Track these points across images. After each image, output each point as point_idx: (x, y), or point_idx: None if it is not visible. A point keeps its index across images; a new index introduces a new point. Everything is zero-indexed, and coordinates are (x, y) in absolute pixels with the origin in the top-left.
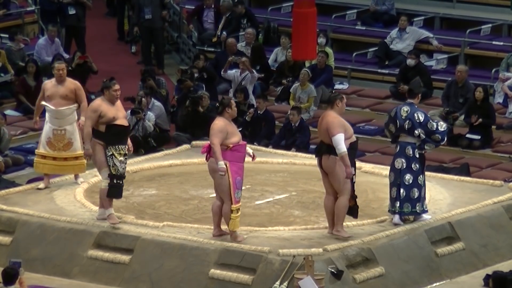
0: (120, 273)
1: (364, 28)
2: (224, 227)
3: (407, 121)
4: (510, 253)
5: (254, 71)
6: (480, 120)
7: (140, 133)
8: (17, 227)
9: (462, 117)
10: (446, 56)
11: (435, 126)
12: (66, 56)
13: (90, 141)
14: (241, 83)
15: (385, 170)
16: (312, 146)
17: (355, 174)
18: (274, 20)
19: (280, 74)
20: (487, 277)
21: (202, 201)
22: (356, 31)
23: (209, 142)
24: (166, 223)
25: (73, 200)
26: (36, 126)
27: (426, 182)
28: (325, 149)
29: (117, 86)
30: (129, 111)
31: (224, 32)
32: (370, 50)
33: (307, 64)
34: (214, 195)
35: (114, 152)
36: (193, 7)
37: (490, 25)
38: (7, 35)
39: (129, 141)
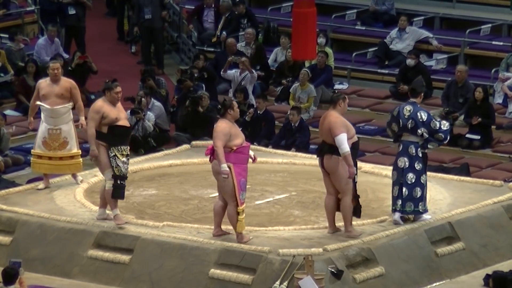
0: (120, 273)
1: (364, 28)
2: (224, 227)
3: (410, 120)
4: (510, 253)
5: (253, 71)
6: (480, 120)
7: (140, 133)
8: (17, 227)
9: (462, 117)
10: (446, 56)
11: (438, 125)
12: (66, 56)
13: (95, 142)
14: (240, 83)
15: (385, 170)
16: (312, 146)
17: (356, 174)
18: (274, 20)
19: (280, 74)
20: (487, 277)
21: (202, 201)
22: (356, 31)
23: (212, 143)
24: (166, 223)
25: (73, 200)
26: (30, 126)
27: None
28: (327, 149)
29: (119, 89)
30: (129, 111)
31: (224, 32)
32: (370, 50)
33: (307, 64)
34: (214, 195)
35: (117, 153)
36: (193, 7)
37: (490, 25)
38: (7, 35)
39: None
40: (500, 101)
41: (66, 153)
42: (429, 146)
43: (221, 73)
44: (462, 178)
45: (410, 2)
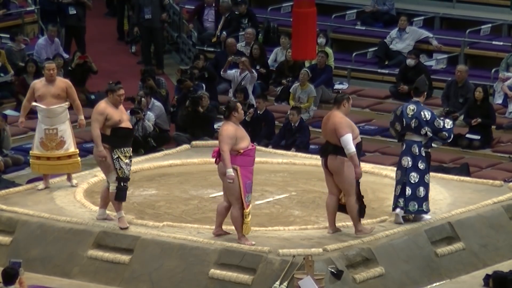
0: (120, 273)
1: (364, 28)
2: (225, 227)
3: (414, 119)
4: (510, 253)
5: (253, 71)
6: (480, 120)
7: (140, 133)
8: (17, 227)
9: (462, 117)
10: (446, 56)
11: (441, 124)
12: (66, 56)
13: (101, 143)
14: (240, 83)
15: (385, 170)
16: (312, 146)
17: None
18: (274, 20)
19: (280, 74)
20: (487, 277)
21: (202, 201)
22: (356, 31)
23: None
24: (166, 223)
25: (73, 200)
26: (21, 126)
27: None
28: (332, 150)
29: (122, 91)
30: (129, 111)
31: (224, 32)
32: (370, 50)
33: (307, 64)
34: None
35: (120, 155)
36: (193, 7)
37: (490, 25)
38: (7, 35)
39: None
40: (500, 101)
41: (63, 152)
42: (433, 144)
43: (221, 73)
44: (462, 178)
45: (410, 2)
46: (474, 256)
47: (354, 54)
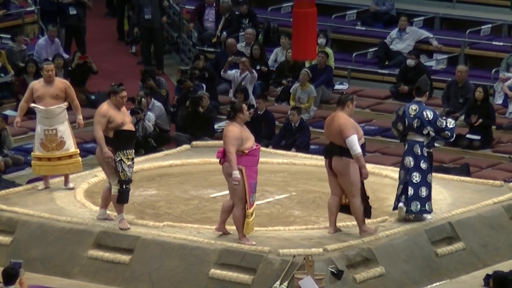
0: (120, 273)
1: (364, 28)
2: (228, 227)
3: (416, 119)
4: (510, 253)
5: (254, 71)
6: (480, 120)
7: (140, 133)
8: (17, 227)
9: (462, 117)
10: (446, 56)
11: (444, 124)
12: (66, 56)
13: (105, 144)
14: (241, 83)
15: (385, 170)
16: (312, 146)
17: None
18: (274, 20)
19: (280, 74)
20: (487, 277)
21: (202, 201)
22: (356, 31)
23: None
24: (166, 223)
25: (73, 200)
26: (16, 126)
27: None
28: (337, 151)
29: (124, 93)
30: (129, 111)
31: (224, 33)
32: (370, 50)
33: (307, 64)
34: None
35: (123, 157)
36: (193, 7)
37: (490, 25)
38: (7, 35)
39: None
40: (500, 101)
41: (64, 153)
42: (435, 144)
43: (221, 73)
44: (462, 178)
45: (410, 2)
46: (474, 256)
47: (354, 54)
